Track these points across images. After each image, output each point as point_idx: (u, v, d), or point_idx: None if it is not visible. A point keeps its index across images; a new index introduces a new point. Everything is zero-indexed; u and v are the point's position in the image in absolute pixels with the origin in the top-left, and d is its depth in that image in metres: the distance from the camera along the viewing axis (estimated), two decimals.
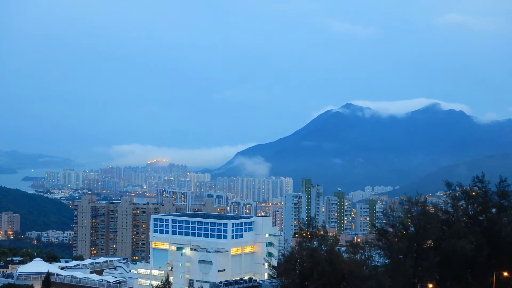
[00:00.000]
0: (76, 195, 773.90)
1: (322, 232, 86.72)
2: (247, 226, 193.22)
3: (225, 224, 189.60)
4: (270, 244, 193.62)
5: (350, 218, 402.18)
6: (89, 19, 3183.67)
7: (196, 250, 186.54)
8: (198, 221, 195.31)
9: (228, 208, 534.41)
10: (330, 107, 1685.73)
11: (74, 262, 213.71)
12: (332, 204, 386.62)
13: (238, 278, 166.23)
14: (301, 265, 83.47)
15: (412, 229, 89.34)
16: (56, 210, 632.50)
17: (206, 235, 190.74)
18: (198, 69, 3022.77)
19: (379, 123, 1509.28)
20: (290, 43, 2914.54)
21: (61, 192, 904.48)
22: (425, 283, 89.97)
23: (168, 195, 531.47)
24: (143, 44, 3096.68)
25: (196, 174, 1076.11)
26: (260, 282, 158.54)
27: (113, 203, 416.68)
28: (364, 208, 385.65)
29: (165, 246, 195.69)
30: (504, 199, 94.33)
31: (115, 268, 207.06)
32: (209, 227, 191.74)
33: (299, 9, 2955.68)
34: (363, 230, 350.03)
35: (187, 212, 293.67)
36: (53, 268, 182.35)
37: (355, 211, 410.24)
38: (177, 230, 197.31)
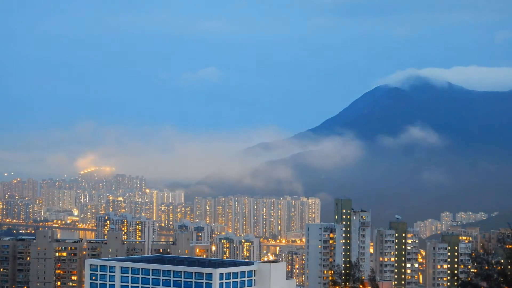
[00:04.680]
0: None
1: None
2: (246, 278, 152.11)
3: (209, 275, 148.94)
4: None
5: (417, 265, 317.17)
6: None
7: None
8: (164, 270, 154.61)
9: (214, 247, 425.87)
10: (383, 82, 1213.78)
11: None
12: (386, 241, 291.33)
13: None
14: None
15: None
16: None
17: None
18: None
19: (462, 101, 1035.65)
20: None
21: None
22: None
23: (113, 226, 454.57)
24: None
25: (161, 192, 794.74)
26: None
27: (23, 239, 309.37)
28: (439, 248, 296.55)
29: None
30: None
31: None
32: (183, 279, 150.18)
33: None
34: (438, 284, 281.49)
35: (147, 256, 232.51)
36: None
37: (424, 253, 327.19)
38: (130, 284, 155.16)
